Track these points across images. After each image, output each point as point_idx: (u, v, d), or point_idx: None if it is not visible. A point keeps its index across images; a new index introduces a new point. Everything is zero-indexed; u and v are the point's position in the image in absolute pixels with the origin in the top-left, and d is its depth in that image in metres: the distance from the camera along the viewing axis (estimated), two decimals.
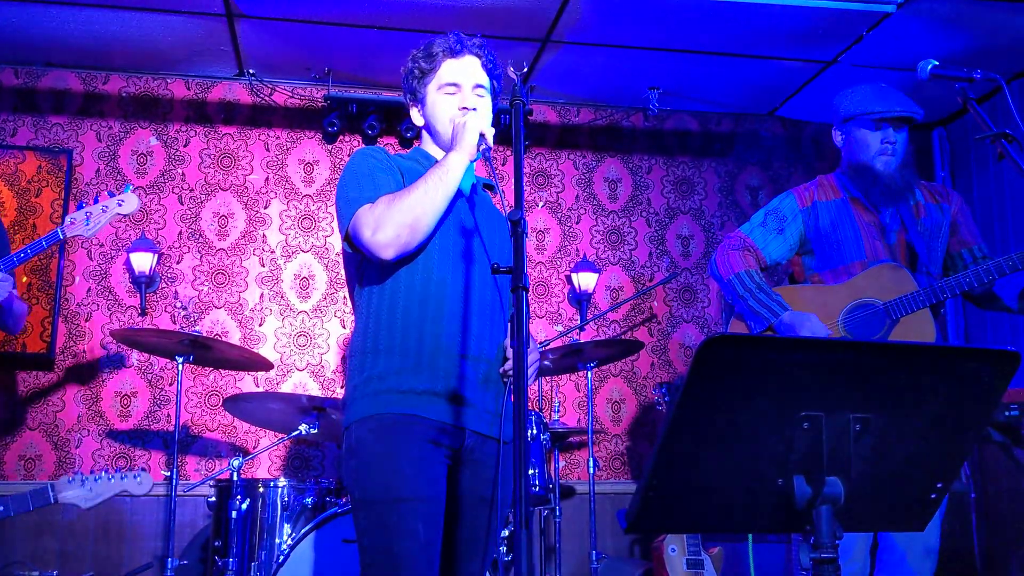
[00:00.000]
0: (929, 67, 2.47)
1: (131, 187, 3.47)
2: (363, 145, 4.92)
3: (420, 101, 2.32)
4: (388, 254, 2.06)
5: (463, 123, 2.14)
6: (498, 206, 2.37)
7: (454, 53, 2.27)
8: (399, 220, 2.04)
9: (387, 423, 2.05)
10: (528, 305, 1.67)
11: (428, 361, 2.09)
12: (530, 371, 2.28)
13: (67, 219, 3.32)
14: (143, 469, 3.24)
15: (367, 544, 2.02)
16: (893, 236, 2.99)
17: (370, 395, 2.09)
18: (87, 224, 3.30)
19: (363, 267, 2.21)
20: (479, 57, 2.28)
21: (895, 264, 2.92)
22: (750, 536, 3.42)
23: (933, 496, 1.59)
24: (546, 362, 4.07)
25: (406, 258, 2.12)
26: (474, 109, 2.21)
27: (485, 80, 2.29)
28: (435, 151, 2.31)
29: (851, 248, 2.98)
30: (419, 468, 2.02)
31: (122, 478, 3.12)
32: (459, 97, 2.25)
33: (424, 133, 2.36)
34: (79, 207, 3.35)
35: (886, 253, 2.96)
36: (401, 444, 2.03)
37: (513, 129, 1.96)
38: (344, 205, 2.16)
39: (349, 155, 4.90)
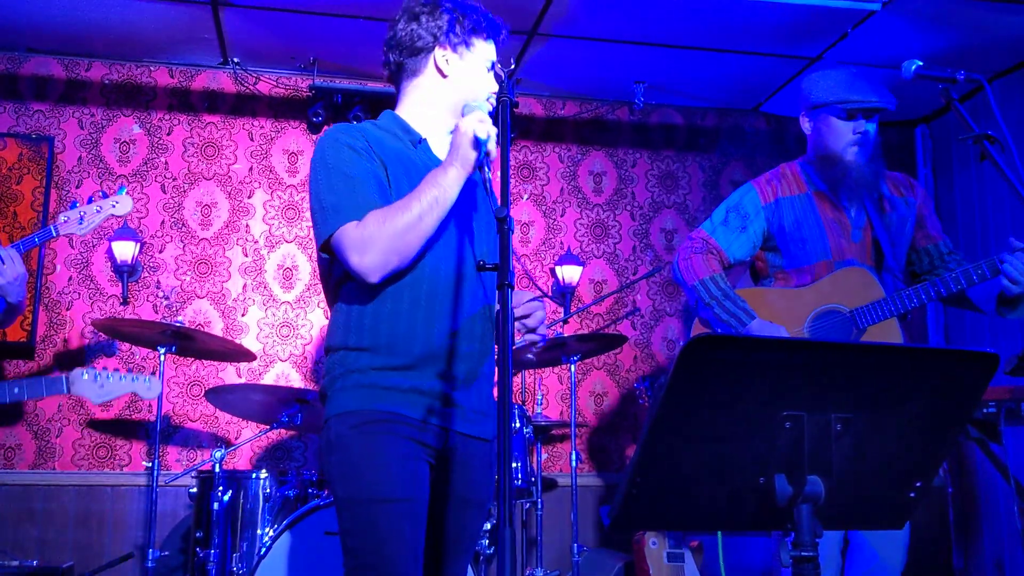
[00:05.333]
0: (913, 67, 2.48)
1: (125, 188, 3.47)
2: None
3: (460, 50, 2.13)
4: (374, 279, 1.96)
5: (471, 135, 1.97)
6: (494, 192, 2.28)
7: (496, 41, 2.20)
8: (389, 246, 1.93)
9: (370, 420, 1.97)
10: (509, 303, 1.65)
11: (416, 359, 2.02)
12: (536, 320, 2.14)
13: (61, 217, 3.34)
14: (152, 374, 3.29)
15: (353, 545, 1.96)
16: (859, 234, 2.94)
17: (351, 388, 2.01)
18: (80, 223, 3.33)
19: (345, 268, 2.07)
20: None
21: (861, 267, 2.87)
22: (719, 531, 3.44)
23: (912, 495, 1.61)
24: (529, 355, 4.08)
25: None
26: (496, 96, 2.09)
27: None
28: (420, 114, 2.16)
29: (816, 247, 2.92)
30: (404, 467, 1.97)
31: (133, 380, 3.24)
32: (490, 80, 2.17)
33: (419, 86, 2.17)
34: (72, 206, 3.36)
35: (852, 251, 2.91)
36: (386, 443, 1.96)
37: (500, 125, 1.92)
38: (320, 213, 2.00)
39: None
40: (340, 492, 2.00)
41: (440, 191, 1.97)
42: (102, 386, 3.15)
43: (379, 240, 1.93)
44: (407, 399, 2.01)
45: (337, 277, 2.11)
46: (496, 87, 2.16)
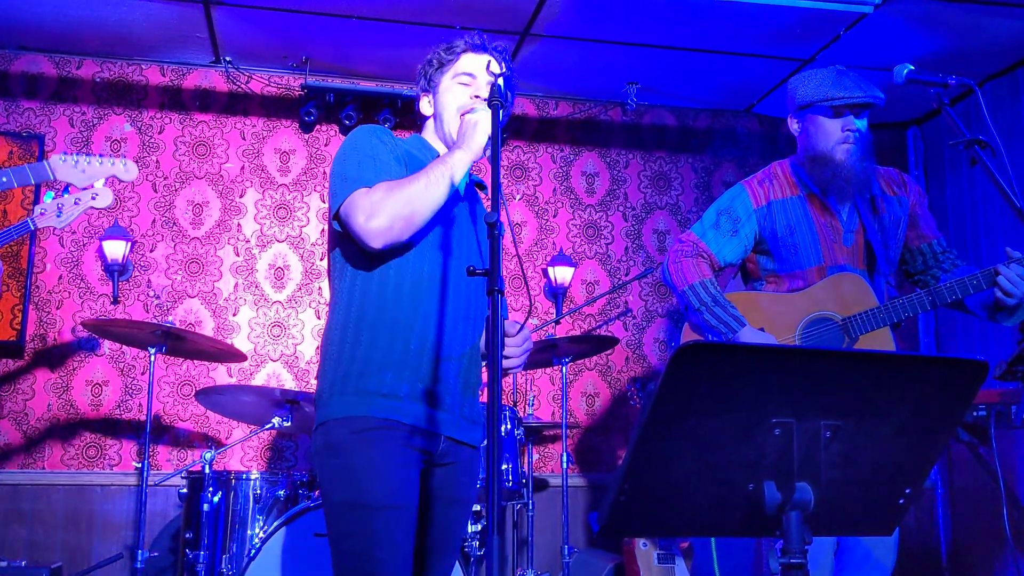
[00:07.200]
0: (905, 72, 2.47)
1: (104, 180, 3.38)
2: (340, 136, 4.90)
3: (432, 89, 2.27)
4: (377, 244, 1.99)
5: (475, 122, 2.10)
6: (485, 204, 2.35)
7: (475, 48, 2.26)
8: (395, 211, 1.98)
9: (371, 427, 2.00)
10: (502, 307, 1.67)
11: (413, 363, 2.05)
12: (520, 360, 2.22)
13: (37, 209, 3.26)
14: (129, 160, 3.34)
15: (347, 549, 1.99)
16: (851, 237, 2.91)
17: (351, 394, 2.03)
18: (59, 216, 3.24)
19: (350, 252, 2.11)
20: (499, 62, 2.27)
21: (854, 274, 2.85)
22: None
23: (901, 502, 1.61)
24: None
25: (396, 250, 2.06)
26: (486, 100, 2.11)
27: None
28: (436, 142, 2.27)
29: (808, 252, 2.89)
30: (399, 475, 2.00)
31: (111, 163, 3.24)
32: (472, 88, 2.22)
33: (428, 122, 2.31)
34: (47, 197, 3.27)
35: (844, 256, 2.89)
36: (386, 450, 1.99)
37: (491, 128, 1.94)
38: (340, 183, 2.06)
39: (326, 145, 4.89)
40: (336, 496, 2.01)
41: (446, 167, 2.05)
42: (83, 171, 3.16)
43: (387, 205, 1.98)
44: (405, 406, 2.03)
45: (344, 265, 2.13)
46: (477, 90, 2.23)
